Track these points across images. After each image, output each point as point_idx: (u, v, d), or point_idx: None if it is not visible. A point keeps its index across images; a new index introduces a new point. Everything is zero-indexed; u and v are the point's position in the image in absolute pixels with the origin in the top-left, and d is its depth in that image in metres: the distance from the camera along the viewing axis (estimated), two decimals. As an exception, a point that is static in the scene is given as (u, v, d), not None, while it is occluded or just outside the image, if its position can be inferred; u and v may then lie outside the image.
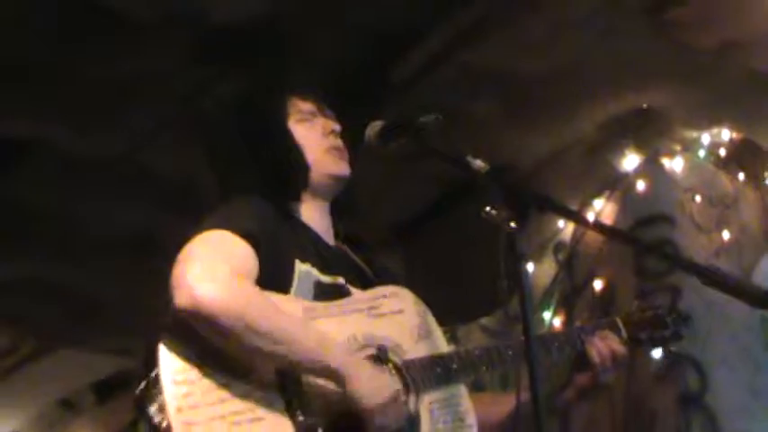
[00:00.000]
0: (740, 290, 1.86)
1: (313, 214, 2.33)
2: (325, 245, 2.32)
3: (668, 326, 2.56)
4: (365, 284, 2.29)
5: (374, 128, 2.23)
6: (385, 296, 2.24)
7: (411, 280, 2.40)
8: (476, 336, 5.04)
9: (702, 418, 3.93)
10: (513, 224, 1.82)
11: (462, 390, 2.23)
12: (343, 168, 2.35)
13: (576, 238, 4.57)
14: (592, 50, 4.02)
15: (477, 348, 2.25)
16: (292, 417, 1.97)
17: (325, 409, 2.00)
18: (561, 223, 4.62)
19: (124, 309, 5.07)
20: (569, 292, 4.53)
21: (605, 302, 4.34)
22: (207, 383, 1.94)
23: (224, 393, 1.94)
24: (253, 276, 2.06)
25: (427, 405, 2.14)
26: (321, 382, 2.00)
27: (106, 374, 6.16)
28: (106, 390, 6.34)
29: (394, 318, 2.20)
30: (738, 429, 3.91)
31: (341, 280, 2.24)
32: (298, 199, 2.31)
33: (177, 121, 4.05)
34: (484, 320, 4.98)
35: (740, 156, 4.61)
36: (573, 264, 4.58)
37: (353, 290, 2.25)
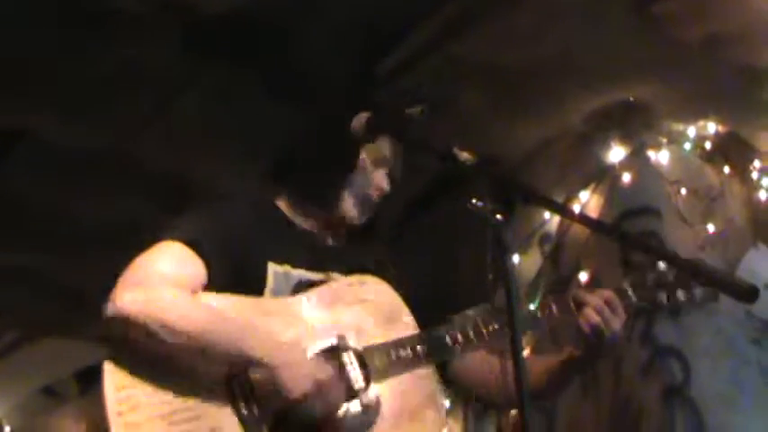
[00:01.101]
0: (725, 284, 1.86)
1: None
2: (321, 243, 2.34)
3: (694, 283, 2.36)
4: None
5: (360, 119, 2.23)
6: (350, 285, 2.26)
7: (398, 269, 2.41)
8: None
9: (686, 410, 3.95)
10: (499, 216, 1.81)
11: (431, 371, 2.22)
12: (357, 218, 2.36)
13: (562, 230, 4.58)
14: (578, 43, 4.02)
15: (449, 328, 2.24)
16: (237, 411, 1.99)
17: (270, 402, 2.01)
18: (547, 215, 4.63)
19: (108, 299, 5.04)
20: (555, 284, 4.54)
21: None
22: (149, 386, 1.97)
23: (166, 394, 1.97)
24: (195, 282, 2.09)
25: (391, 389, 2.14)
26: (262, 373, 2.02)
27: (89, 363, 6.15)
28: (90, 379, 6.33)
29: (358, 306, 2.22)
30: (722, 421, 3.92)
31: (335, 275, 2.27)
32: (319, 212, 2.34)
33: (168, 113, 4.04)
34: (470, 312, 4.99)
35: (726, 149, 4.62)
36: (558, 255, 4.59)
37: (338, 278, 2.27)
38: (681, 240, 4.27)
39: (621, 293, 2.30)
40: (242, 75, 3.89)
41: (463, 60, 4.05)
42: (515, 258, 4.51)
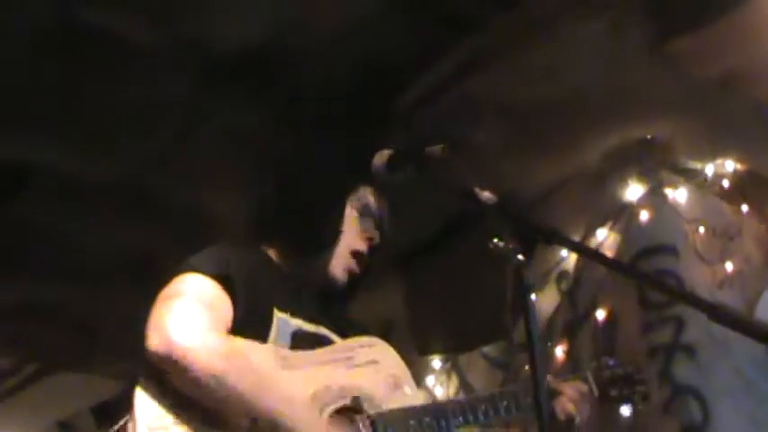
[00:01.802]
0: (745, 325, 1.85)
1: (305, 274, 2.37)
2: (311, 294, 2.35)
3: (641, 383, 2.60)
4: (344, 334, 2.33)
5: (381, 157, 2.24)
6: (362, 346, 2.28)
7: (415, 307, 2.42)
8: (478, 364, 5.03)
9: (705, 450, 3.92)
10: (520, 256, 1.82)
11: None
12: (341, 280, 2.39)
13: (580, 268, 4.57)
14: (596, 80, 4.03)
15: (454, 401, 2.27)
16: None
17: None
18: (564, 252, 4.63)
19: (124, 333, 5.05)
20: (572, 322, 4.52)
21: (608, 332, 4.34)
22: (180, 429, 1.95)
23: None
24: (228, 324, 2.10)
25: None
26: None
27: (105, 398, 6.15)
28: (105, 413, 6.32)
29: (369, 368, 2.24)
30: (741, 462, 3.90)
31: (323, 330, 2.28)
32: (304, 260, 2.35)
33: (179, 147, 4.06)
34: (486, 349, 4.98)
35: (744, 187, 4.61)
36: (576, 293, 4.58)
37: (335, 339, 2.29)
38: (698, 279, 4.25)
39: (588, 385, 2.51)
40: (256, 110, 3.92)
41: (480, 98, 4.07)
42: (532, 296, 4.49)
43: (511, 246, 1.84)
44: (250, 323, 2.13)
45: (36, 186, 4.21)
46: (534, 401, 1.77)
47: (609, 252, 4.50)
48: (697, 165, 4.58)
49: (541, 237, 1.87)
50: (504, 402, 2.32)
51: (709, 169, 4.58)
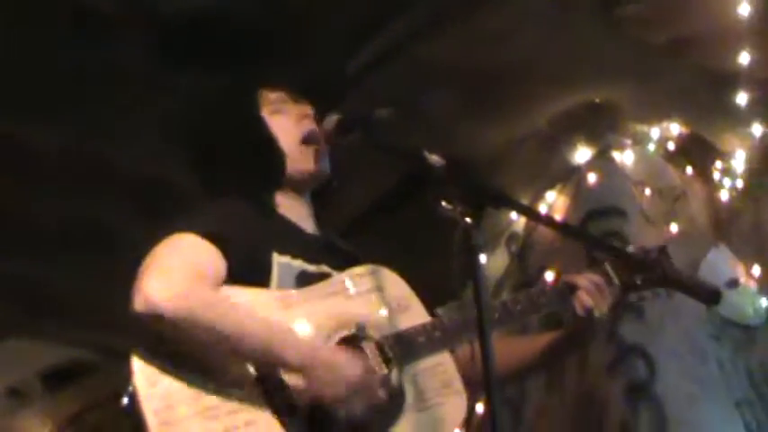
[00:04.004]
0: (690, 287, 1.89)
1: (292, 206, 2.34)
2: (308, 235, 2.32)
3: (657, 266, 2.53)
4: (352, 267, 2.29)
5: (330, 121, 2.26)
6: (361, 275, 2.24)
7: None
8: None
9: (650, 407, 4.00)
10: (468, 219, 1.84)
11: (447, 357, 2.23)
12: (317, 166, 2.33)
13: (529, 230, 4.62)
14: (546, 45, 4.06)
15: (460, 316, 2.25)
16: (272, 405, 1.97)
17: (305, 400, 2.00)
18: (515, 215, 4.67)
19: (78, 301, 5.03)
20: (521, 284, 4.57)
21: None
22: (182, 385, 1.94)
23: (199, 390, 1.95)
24: (218, 276, 2.07)
25: (412, 376, 2.15)
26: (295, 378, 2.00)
27: (54, 363, 6.11)
28: (55, 379, 6.28)
29: (372, 295, 2.21)
30: (685, 418, 3.98)
31: (325, 268, 2.24)
32: (278, 188, 2.32)
33: (138, 116, 4.03)
34: (438, 311, 5.02)
35: (688, 150, 4.68)
36: (525, 255, 4.62)
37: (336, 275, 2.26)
38: (645, 240, 4.30)
39: (606, 276, 2.45)
40: (217, 78, 3.89)
41: (431, 62, 4.08)
42: (482, 258, 4.53)
43: (459, 209, 1.85)
44: (248, 271, 2.09)
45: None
46: (483, 369, 1.78)
47: (558, 214, 4.55)
48: (643, 128, 4.64)
49: (489, 200, 1.89)
50: (518, 306, 2.34)
51: (655, 132, 4.64)
